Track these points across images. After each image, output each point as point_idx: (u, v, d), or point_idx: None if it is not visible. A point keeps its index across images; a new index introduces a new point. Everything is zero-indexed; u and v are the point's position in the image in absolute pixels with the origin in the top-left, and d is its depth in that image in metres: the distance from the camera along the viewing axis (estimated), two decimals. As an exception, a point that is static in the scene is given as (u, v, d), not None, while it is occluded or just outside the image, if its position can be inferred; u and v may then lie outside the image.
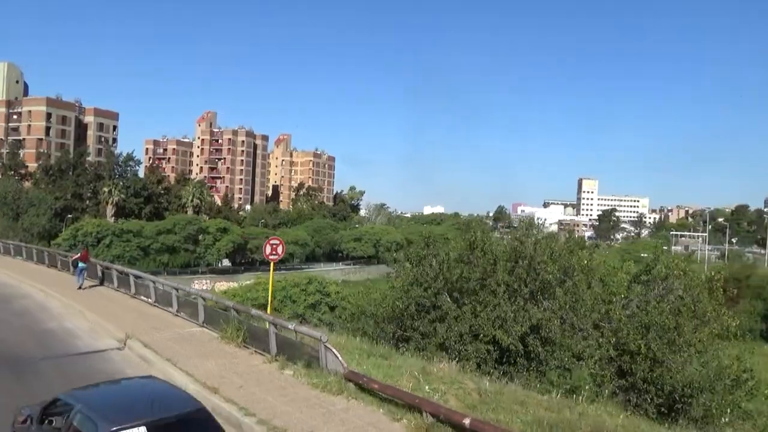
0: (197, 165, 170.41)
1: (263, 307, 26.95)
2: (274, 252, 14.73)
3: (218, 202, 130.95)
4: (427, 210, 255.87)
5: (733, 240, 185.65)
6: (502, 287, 18.27)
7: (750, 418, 18.03)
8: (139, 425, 6.06)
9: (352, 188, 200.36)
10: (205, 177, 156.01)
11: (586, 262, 19.35)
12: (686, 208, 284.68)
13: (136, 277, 20.31)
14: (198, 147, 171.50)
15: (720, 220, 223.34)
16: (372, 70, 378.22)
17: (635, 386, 18.75)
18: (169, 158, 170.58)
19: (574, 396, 16.50)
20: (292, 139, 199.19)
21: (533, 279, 18.72)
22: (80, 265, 21.90)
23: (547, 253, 18.67)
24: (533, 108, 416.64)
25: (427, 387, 10.40)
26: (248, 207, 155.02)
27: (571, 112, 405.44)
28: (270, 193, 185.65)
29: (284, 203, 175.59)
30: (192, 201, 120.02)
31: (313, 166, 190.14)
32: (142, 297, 19.47)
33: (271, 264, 14.86)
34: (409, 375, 11.02)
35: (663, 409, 17.92)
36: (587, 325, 18.37)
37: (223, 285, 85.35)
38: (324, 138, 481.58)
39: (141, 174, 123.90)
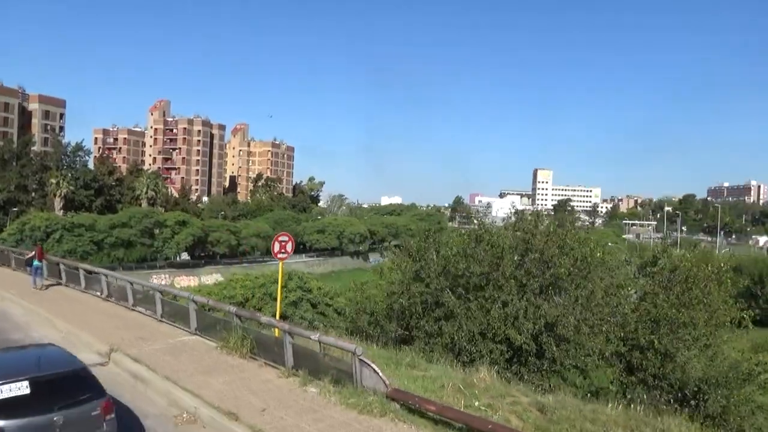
0: (150, 155, 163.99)
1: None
2: (283, 250, 13.05)
3: (174, 193, 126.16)
4: (385, 201, 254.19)
5: (683, 228, 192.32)
6: (511, 282, 17.15)
7: (763, 412, 17.63)
8: (22, 380, 6.96)
9: (311, 179, 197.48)
10: (159, 168, 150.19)
11: (600, 254, 18.39)
12: (635, 198, 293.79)
13: (107, 276, 18.24)
14: (151, 137, 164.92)
15: (668, 209, 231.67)
16: (328, 60, 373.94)
17: (645, 382, 18.09)
18: (120, 148, 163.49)
19: (598, 397, 15.71)
20: (250, 129, 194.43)
21: (542, 273, 17.73)
22: (35, 263, 19.73)
23: (557, 245, 17.68)
24: (489, 100, 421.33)
25: (477, 403, 9.13)
26: (205, 198, 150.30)
27: (526, 104, 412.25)
28: (227, 184, 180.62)
29: (242, 194, 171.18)
30: (146, 193, 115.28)
31: (272, 156, 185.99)
32: (114, 299, 17.50)
33: (280, 264, 13.06)
34: (452, 388, 9.72)
35: (676, 406, 17.22)
36: (598, 321, 17.48)
37: (183, 280, 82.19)
38: (282, 128, 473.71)
39: (91, 165, 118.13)
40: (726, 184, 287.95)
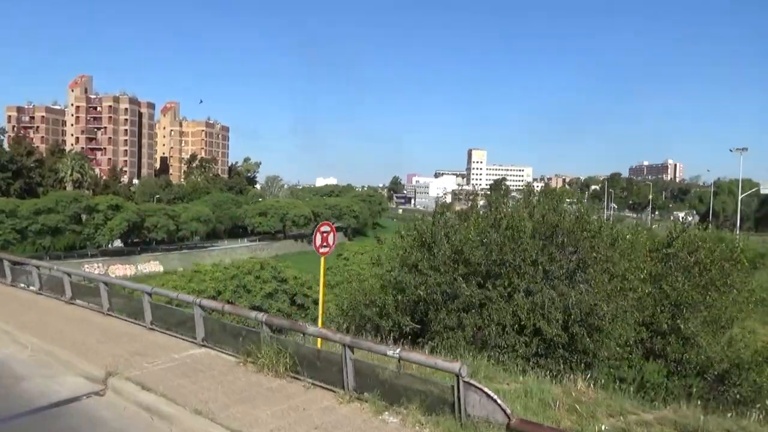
0: (72, 135, 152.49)
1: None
2: (325, 243, 10.65)
3: (103, 176, 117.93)
4: (320, 181, 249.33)
5: (614, 205, 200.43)
6: (537, 269, 15.61)
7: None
8: None
9: (247, 160, 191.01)
10: (83, 148, 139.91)
11: (629, 236, 17.14)
12: (563, 177, 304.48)
13: (68, 274, 15.26)
14: (72, 115, 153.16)
15: (594, 187, 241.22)
16: (259, 38, 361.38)
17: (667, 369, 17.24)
18: (38, 127, 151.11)
19: (643, 394, 14.52)
20: (181, 108, 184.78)
21: (567, 258, 16.32)
22: None
23: (582, 227, 16.30)
24: (422, 80, 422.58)
25: (603, 427, 7.43)
26: (135, 181, 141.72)
27: (458, 85, 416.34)
28: (158, 165, 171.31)
29: (175, 176, 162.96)
30: (71, 175, 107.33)
31: (206, 136, 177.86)
32: (79, 301, 14.63)
33: (322, 260, 10.46)
34: (561, 407, 7.98)
35: (703, 394, 16.36)
36: (629, 308, 16.31)
37: (118, 269, 76.75)
38: (213, 109, 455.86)
39: (6, 146, 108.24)
40: (646, 163, 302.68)
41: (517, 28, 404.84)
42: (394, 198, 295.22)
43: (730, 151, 68.42)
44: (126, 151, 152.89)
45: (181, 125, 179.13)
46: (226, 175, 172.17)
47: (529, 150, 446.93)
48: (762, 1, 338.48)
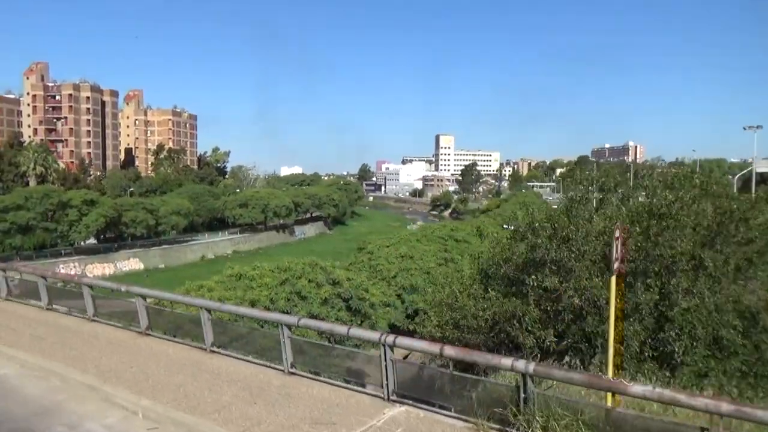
0: (30, 126, 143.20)
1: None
2: (619, 256, 7.10)
3: (69, 169, 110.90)
4: (285, 171, 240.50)
5: (581, 187, 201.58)
6: (714, 265, 12.86)
7: None
8: None
9: (216, 150, 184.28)
10: (43, 140, 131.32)
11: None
12: (529, 161, 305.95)
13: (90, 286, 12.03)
14: (29, 104, 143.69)
15: (560, 170, 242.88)
16: (219, 26, 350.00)
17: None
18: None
19: None
20: (145, 96, 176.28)
21: (733, 251, 13.68)
22: None
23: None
24: (385, 66, 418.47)
25: None
26: (100, 174, 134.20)
27: (422, 70, 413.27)
28: (123, 157, 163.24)
29: (142, 168, 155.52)
30: (34, 169, 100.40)
31: (173, 125, 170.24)
32: (76, 313, 11.30)
33: (612, 282, 6.68)
34: None
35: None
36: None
37: (96, 268, 71.65)
38: (176, 97, 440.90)
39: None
40: (607, 145, 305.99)
41: (478, 9, 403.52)
42: (364, 186, 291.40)
43: (744, 129, 67.24)
44: (89, 142, 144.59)
45: (146, 114, 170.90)
46: (195, 166, 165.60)
47: (495, 135, 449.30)
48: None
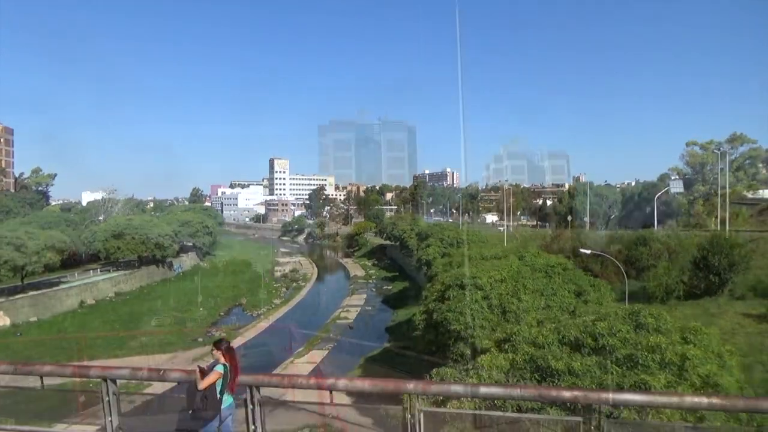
0: None
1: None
2: None
3: None
4: (87, 196, 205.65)
5: (432, 210, 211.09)
6: None
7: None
8: None
9: (36, 170, 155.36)
10: None
11: None
12: (357, 185, 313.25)
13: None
14: None
15: (391, 194, 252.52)
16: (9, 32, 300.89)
17: None
18: None
19: None
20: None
21: None
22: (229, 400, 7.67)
23: None
24: (198, 88, 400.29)
25: None
26: None
27: (238, 92, 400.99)
28: None
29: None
30: None
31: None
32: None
33: None
34: None
35: None
36: None
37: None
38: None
39: None
40: (427, 171, 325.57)
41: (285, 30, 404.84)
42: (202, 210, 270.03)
43: (716, 151, 71.42)
44: None
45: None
46: (12, 189, 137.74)
47: (327, 158, 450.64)
48: None
